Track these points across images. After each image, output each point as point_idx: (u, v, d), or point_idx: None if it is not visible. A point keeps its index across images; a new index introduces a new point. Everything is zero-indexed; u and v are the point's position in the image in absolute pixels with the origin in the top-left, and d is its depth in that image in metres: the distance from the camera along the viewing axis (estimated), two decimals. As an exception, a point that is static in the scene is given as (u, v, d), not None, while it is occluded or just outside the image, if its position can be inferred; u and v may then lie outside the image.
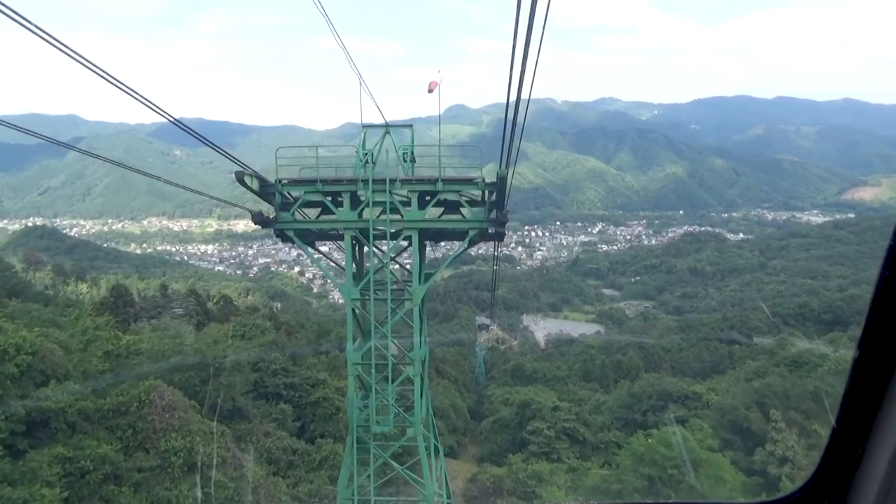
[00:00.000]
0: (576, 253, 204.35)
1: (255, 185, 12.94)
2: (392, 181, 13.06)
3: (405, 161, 13.89)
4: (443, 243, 16.81)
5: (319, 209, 14.30)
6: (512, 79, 6.74)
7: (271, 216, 13.49)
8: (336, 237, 14.78)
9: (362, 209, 13.43)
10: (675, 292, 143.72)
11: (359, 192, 13.30)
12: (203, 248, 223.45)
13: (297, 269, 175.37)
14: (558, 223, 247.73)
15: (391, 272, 14.19)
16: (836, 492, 2.10)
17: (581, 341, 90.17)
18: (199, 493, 18.76)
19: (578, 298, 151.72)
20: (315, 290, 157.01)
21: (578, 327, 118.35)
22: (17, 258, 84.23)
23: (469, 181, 13.39)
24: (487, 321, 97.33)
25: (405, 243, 13.96)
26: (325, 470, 25.93)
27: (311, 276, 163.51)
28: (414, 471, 15.31)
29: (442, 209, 14.24)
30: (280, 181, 13.34)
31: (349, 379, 14.02)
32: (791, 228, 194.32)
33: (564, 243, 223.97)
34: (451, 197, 13.43)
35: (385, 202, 13.10)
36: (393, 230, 13.26)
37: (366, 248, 14.13)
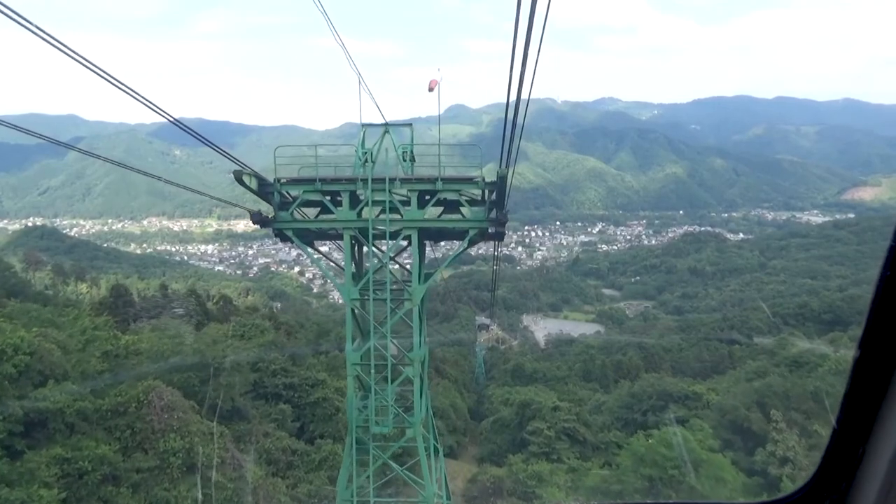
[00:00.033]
0: (576, 253, 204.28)
1: (253, 184, 12.87)
2: (391, 180, 13.00)
3: (405, 160, 13.82)
4: (443, 243, 16.75)
5: (318, 209, 14.23)
6: (512, 79, 6.74)
7: (270, 216, 13.43)
8: (335, 237, 14.71)
9: (361, 208, 13.36)
10: (675, 292, 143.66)
11: (358, 192, 13.24)
12: (203, 248, 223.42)
13: (297, 269, 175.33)
14: (558, 223, 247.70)
15: (390, 272, 14.12)
16: (837, 492, 2.10)
17: (581, 341, 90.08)
18: (199, 495, 18.69)
19: (578, 298, 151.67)
20: (315, 290, 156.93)
21: (578, 327, 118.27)
22: (17, 258, 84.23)
23: (469, 180, 13.32)
24: (487, 321, 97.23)
25: (405, 243, 13.88)
26: (325, 470, 25.85)
27: (311, 276, 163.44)
28: (413, 472, 15.24)
29: (442, 209, 14.18)
30: (278, 180, 13.27)
31: (348, 379, 13.96)
32: (791, 228, 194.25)
33: (564, 243, 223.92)
34: (451, 196, 13.37)
35: (384, 201, 13.03)
36: (392, 230, 13.20)
37: (365, 248, 14.06)
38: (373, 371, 13.42)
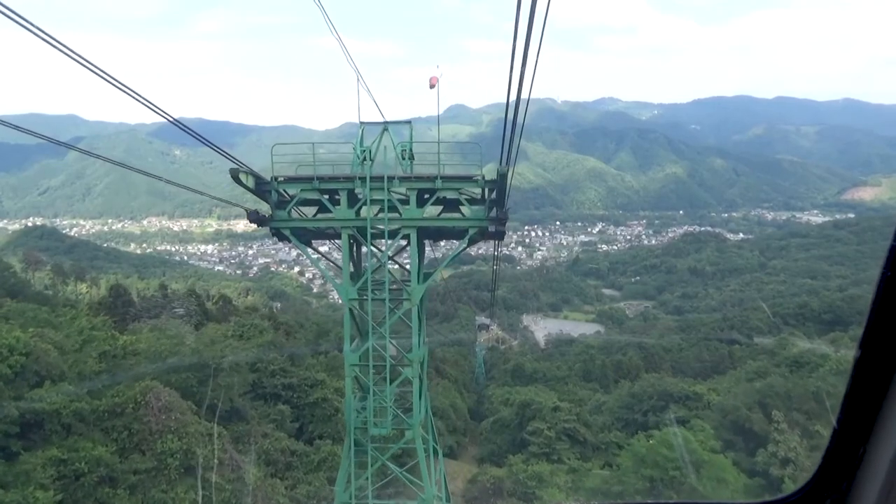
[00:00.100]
0: (576, 253, 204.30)
1: (250, 182, 12.75)
2: (390, 179, 12.87)
3: (403, 158, 13.69)
4: (442, 242, 16.63)
5: (317, 208, 14.11)
6: (512, 79, 6.73)
7: (267, 215, 13.30)
8: (333, 236, 14.59)
9: (360, 207, 13.24)
10: (675, 292, 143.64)
11: (356, 190, 13.11)
12: (203, 248, 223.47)
13: (296, 269, 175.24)
14: (558, 223, 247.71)
15: (389, 272, 13.99)
16: (838, 492, 2.10)
17: (581, 341, 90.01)
18: (199, 496, 18.56)
19: (578, 298, 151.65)
20: (315, 290, 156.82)
21: (578, 327, 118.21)
22: (17, 258, 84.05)
23: (469, 178, 13.20)
24: (487, 321, 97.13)
25: (404, 242, 13.76)
26: (324, 471, 25.71)
27: (310, 276, 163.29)
28: (413, 473, 15.12)
29: (441, 208, 14.05)
30: (276, 178, 13.15)
31: (346, 380, 13.83)
32: (791, 228, 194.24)
33: (564, 243, 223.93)
34: (451, 195, 13.25)
35: (383, 200, 12.91)
36: (391, 229, 13.07)
37: (364, 248, 13.93)
38: (371, 372, 13.29)
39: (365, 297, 13.49)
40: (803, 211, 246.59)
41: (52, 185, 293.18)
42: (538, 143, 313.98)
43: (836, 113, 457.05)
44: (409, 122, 14.43)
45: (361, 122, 13.71)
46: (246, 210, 13.32)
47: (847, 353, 36.90)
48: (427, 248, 15.48)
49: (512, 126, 8.93)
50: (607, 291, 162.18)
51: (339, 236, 13.81)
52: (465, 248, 13.93)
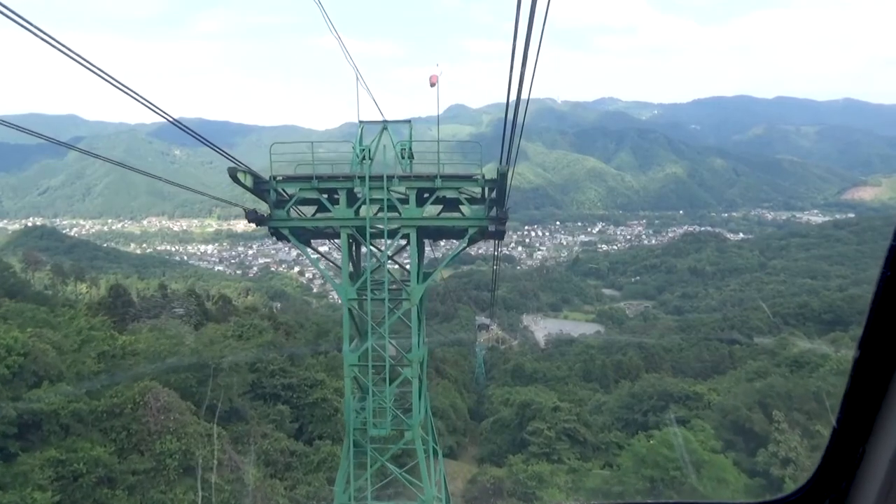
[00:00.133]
0: (576, 253, 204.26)
1: (248, 181, 12.69)
2: (390, 178, 12.81)
3: (403, 157, 13.63)
4: (442, 242, 16.55)
5: (316, 207, 14.04)
6: (512, 79, 6.72)
7: (266, 214, 13.24)
8: (332, 235, 14.52)
9: (359, 207, 13.17)
10: (675, 292, 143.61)
11: (355, 190, 13.05)
12: (203, 248, 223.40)
13: (296, 269, 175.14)
14: (558, 223, 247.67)
15: (389, 271, 13.93)
16: (837, 491, 2.10)
17: (581, 341, 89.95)
18: (198, 497, 18.48)
19: (578, 298, 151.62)
20: (315, 290, 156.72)
21: (578, 327, 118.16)
22: (17, 258, 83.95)
23: (469, 178, 13.13)
24: (487, 321, 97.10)
25: (403, 242, 13.69)
26: (324, 472, 25.65)
27: (310, 276, 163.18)
28: (413, 474, 15.05)
29: (441, 207, 13.98)
30: (274, 178, 13.08)
31: (346, 381, 13.76)
32: (791, 228, 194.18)
33: (564, 243, 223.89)
34: (451, 194, 13.18)
35: (382, 199, 12.84)
36: (390, 228, 13.01)
37: (363, 247, 13.87)
38: (370, 372, 13.22)
39: (364, 297, 13.43)
40: (803, 211, 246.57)
41: (52, 185, 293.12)
42: (538, 143, 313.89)
43: (836, 113, 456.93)
44: (408, 121, 14.37)
45: (361, 121, 13.65)
46: (244, 209, 13.26)
47: (847, 353, 36.84)
48: (427, 248, 15.42)
49: (512, 126, 8.90)
50: (607, 291, 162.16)
51: (338, 236, 13.75)
52: (464, 248, 13.86)
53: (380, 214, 13.05)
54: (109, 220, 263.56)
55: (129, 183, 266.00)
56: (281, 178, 13.25)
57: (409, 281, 13.85)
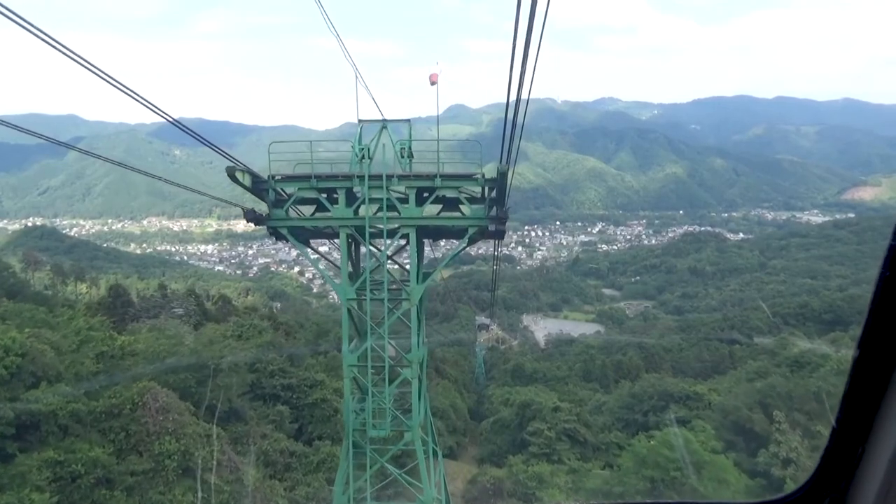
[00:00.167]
0: (576, 253, 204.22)
1: (246, 180, 12.62)
2: (389, 177, 12.74)
3: (402, 157, 13.55)
4: (442, 242, 16.48)
5: (315, 207, 13.97)
6: (512, 79, 6.72)
7: (265, 213, 13.17)
8: (332, 235, 14.46)
9: (358, 206, 13.11)
10: (675, 292, 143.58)
11: (355, 189, 12.99)
12: (203, 248, 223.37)
13: (296, 269, 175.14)
14: (558, 223, 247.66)
15: (388, 271, 13.85)
16: (837, 491, 2.11)
17: (581, 341, 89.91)
18: (197, 497, 18.41)
19: (578, 298, 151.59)
20: (315, 290, 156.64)
21: (578, 327, 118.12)
22: (17, 258, 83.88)
23: (469, 177, 13.06)
24: (487, 321, 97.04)
25: (403, 241, 13.62)
26: (323, 472, 25.56)
27: (310, 276, 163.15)
28: (412, 474, 14.98)
29: (441, 207, 13.91)
30: (273, 177, 13.01)
31: (345, 381, 13.69)
32: (791, 228, 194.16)
33: (564, 243, 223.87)
34: (450, 194, 13.12)
35: (382, 199, 12.77)
36: (390, 228, 12.94)
37: (362, 247, 13.80)
38: (370, 373, 13.15)
39: (364, 297, 13.36)
40: (803, 211, 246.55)
41: (52, 185, 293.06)
42: (538, 143, 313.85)
43: (836, 113, 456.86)
44: (408, 120, 14.30)
45: (360, 120, 13.58)
46: (243, 209, 13.20)
47: (847, 352, 36.64)
48: (427, 248, 15.35)
49: (512, 126, 8.89)
50: (607, 291, 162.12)
51: (337, 236, 13.68)
52: (465, 248, 13.80)
53: (379, 214, 12.98)
54: (109, 220, 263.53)
55: (129, 183, 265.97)
56: (280, 177, 13.18)
57: (408, 281, 13.78)
